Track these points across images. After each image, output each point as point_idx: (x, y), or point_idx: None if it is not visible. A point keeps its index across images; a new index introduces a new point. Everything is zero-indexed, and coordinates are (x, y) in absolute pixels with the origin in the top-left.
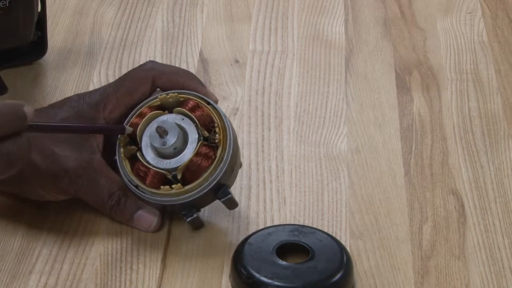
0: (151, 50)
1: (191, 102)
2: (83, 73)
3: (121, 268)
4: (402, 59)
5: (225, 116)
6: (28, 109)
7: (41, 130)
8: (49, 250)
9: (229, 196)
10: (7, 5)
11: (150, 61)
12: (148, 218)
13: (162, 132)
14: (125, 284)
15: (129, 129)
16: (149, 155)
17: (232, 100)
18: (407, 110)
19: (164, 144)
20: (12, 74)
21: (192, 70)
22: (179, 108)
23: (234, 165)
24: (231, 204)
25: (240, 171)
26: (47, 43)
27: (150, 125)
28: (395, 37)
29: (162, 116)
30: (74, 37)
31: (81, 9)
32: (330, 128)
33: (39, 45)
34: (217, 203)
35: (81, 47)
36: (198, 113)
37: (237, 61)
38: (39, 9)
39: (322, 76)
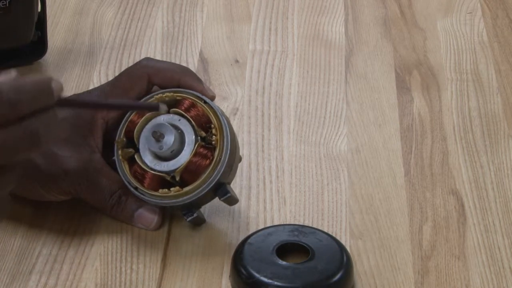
0: (151, 50)
1: (186, 101)
2: (83, 73)
3: (121, 268)
4: (402, 59)
5: (221, 114)
6: (56, 84)
7: (70, 105)
8: (49, 250)
9: (228, 195)
10: (7, 5)
11: (146, 58)
12: (148, 216)
13: (158, 136)
14: (125, 284)
15: (163, 107)
16: (147, 157)
17: (232, 100)
18: (407, 110)
19: (161, 148)
20: None
21: (192, 70)
22: (175, 109)
23: (233, 163)
24: (231, 201)
25: (240, 171)
26: (47, 43)
27: (146, 126)
28: (395, 37)
29: (159, 117)
30: (74, 37)
31: (81, 9)
32: (330, 128)
33: (39, 45)
34: (218, 201)
35: (81, 47)
36: (193, 113)
37: (237, 61)
38: (39, 9)
39: (322, 76)
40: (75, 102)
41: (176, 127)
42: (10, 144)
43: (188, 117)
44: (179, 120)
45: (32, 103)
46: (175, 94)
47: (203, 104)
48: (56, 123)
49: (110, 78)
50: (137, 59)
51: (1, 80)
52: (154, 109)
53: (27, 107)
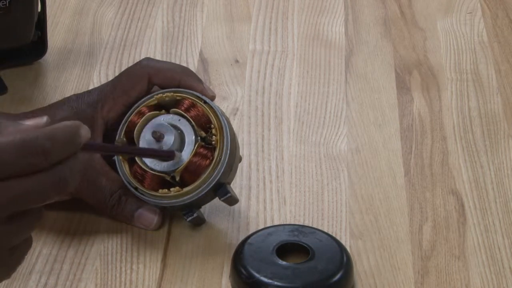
0: (151, 50)
1: (186, 101)
2: (83, 73)
3: (121, 268)
4: (402, 59)
5: (222, 114)
6: (84, 131)
7: (94, 150)
8: (49, 250)
9: (228, 195)
10: (7, 5)
11: (146, 59)
12: (148, 216)
13: (158, 137)
14: (125, 284)
15: (178, 154)
16: None
17: (232, 100)
18: (407, 110)
19: (161, 148)
20: (12, 74)
21: (192, 70)
22: (175, 109)
23: (233, 163)
24: (231, 201)
25: (240, 171)
26: (47, 43)
27: (147, 126)
28: (395, 37)
29: (159, 117)
30: (74, 37)
31: (81, 9)
32: (330, 128)
33: (39, 45)
34: (218, 201)
35: (81, 47)
36: (193, 113)
37: (237, 61)
38: (39, 9)
39: (322, 76)
40: (99, 147)
41: (176, 127)
42: (40, 191)
43: (188, 117)
44: (179, 120)
45: (63, 151)
46: (175, 94)
47: (203, 104)
48: (80, 167)
49: (110, 78)
50: (137, 59)
51: (33, 125)
52: (171, 156)
53: (59, 155)
